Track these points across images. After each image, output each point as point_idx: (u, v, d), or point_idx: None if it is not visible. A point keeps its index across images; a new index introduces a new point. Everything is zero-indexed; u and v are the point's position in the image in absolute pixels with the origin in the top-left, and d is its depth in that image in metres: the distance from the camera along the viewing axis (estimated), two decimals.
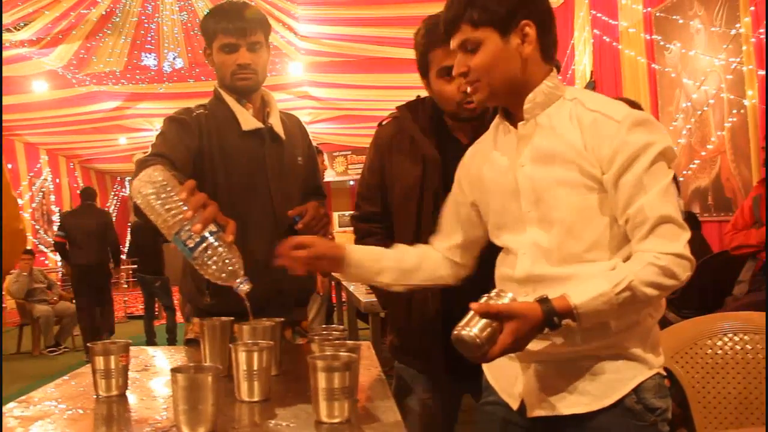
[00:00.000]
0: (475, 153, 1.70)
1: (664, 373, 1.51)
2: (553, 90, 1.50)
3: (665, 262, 1.35)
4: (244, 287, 1.49)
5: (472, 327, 1.34)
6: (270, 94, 2.31)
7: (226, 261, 1.47)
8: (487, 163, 1.63)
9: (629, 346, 1.45)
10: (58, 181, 15.94)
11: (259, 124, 2.20)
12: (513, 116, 1.56)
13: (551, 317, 1.34)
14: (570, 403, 1.47)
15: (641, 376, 1.45)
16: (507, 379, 1.58)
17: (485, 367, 1.67)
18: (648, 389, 1.45)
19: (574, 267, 1.45)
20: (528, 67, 1.49)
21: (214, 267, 1.46)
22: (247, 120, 2.19)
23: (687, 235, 1.39)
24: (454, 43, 1.53)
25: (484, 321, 1.34)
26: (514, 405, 1.55)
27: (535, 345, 1.44)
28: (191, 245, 1.45)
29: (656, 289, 1.36)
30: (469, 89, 1.55)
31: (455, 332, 1.36)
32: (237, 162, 2.17)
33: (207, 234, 1.45)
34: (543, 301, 1.36)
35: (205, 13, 2.27)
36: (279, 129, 2.23)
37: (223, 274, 1.47)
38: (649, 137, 1.40)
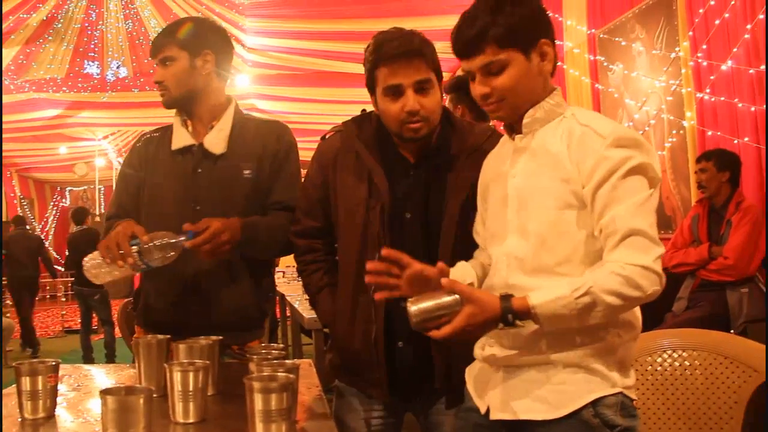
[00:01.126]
0: (487, 164, 1.74)
1: (633, 396, 1.52)
2: (554, 107, 1.54)
3: (629, 272, 1.37)
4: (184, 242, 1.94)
5: (420, 303, 1.41)
6: (229, 106, 2.27)
7: (166, 248, 1.93)
8: (492, 173, 1.68)
9: (591, 361, 1.47)
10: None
11: (189, 142, 2.20)
12: (515, 129, 1.60)
13: (507, 314, 1.39)
14: (528, 409, 1.50)
15: (601, 391, 1.46)
16: (480, 384, 1.63)
17: (467, 374, 1.70)
18: (608, 405, 1.47)
19: (545, 279, 1.47)
20: (545, 84, 1.54)
21: (159, 256, 1.93)
22: (179, 138, 2.21)
23: (659, 250, 1.40)
24: (474, 65, 1.52)
25: (435, 302, 1.41)
26: (483, 408, 1.59)
27: (502, 351, 1.52)
28: (145, 268, 1.94)
29: (618, 298, 1.37)
30: (489, 107, 1.56)
31: (407, 302, 1.43)
32: (165, 181, 2.20)
33: (137, 255, 1.91)
34: (504, 297, 1.41)
35: (152, 22, 2.37)
36: (212, 144, 2.18)
37: (171, 252, 1.94)
38: (629, 153, 1.42)
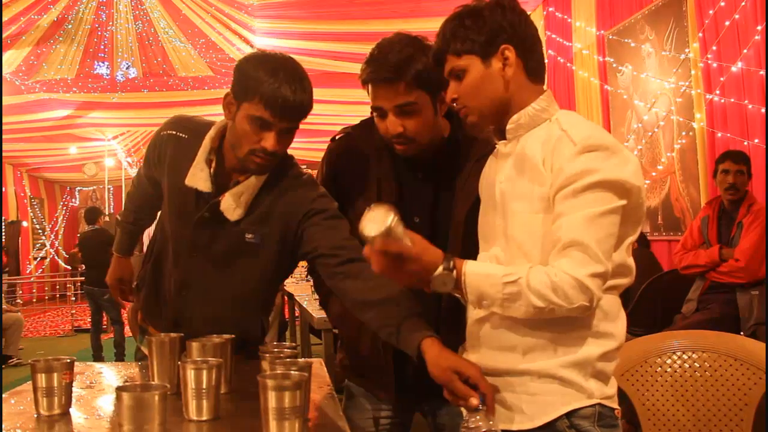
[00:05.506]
0: (484, 169, 1.74)
1: (614, 405, 1.52)
2: (539, 113, 1.54)
3: (559, 279, 1.37)
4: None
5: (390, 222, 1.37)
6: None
7: None
8: (484, 178, 1.70)
9: (567, 372, 1.47)
10: (4, 189, 15.55)
11: (205, 188, 1.89)
12: (503, 135, 1.60)
13: (449, 261, 1.42)
14: (504, 419, 1.51)
15: (576, 403, 1.47)
16: None
17: None
18: (585, 416, 1.47)
19: None
20: (512, 89, 1.54)
21: None
22: (194, 177, 1.90)
23: (596, 267, 1.38)
24: (444, 74, 1.61)
25: (401, 230, 1.39)
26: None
27: (478, 358, 1.54)
28: None
29: (540, 300, 1.37)
30: (460, 114, 1.61)
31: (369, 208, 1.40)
32: (173, 208, 1.98)
33: None
34: (448, 255, 1.45)
35: (248, 55, 1.92)
36: (228, 209, 1.87)
37: None
38: (593, 165, 1.40)
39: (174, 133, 1.99)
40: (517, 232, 1.50)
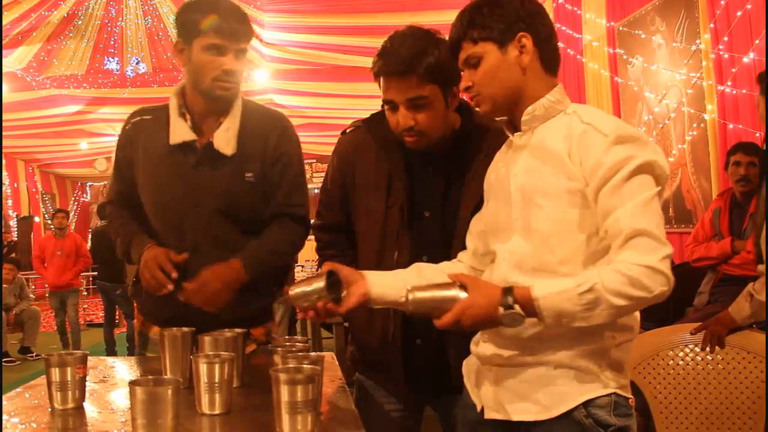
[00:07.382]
0: (492, 163, 1.73)
1: (628, 395, 1.52)
2: (554, 104, 1.55)
3: (634, 272, 1.34)
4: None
5: (419, 293, 1.46)
6: (236, 99, 2.08)
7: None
8: (494, 171, 1.68)
9: (584, 361, 1.47)
10: (16, 185, 15.63)
11: (190, 137, 2.02)
12: (516, 127, 1.60)
13: (507, 295, 1.39)
14: (520, 410, 1.51)
15: (593, 392, 1.47)
16: (475, 380, 1.64)
17: (464, 368, 1.71)
18: (601, 406, 1.47)
19: (545, 278, 1.46)
20: (528, 78, 1.55)
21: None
22: (177, 132, 2.03)
23: (666, 250, 1.37)
24: (460, 62, 1.60)
25: (432, 294, 1.45)
26: (478, 406, 1.61)
27: (495, 349, 1.53)
28: None
29: (622, 299, 1.34)
30: (473, 102, 1.61)
31: (408, 290, 1.48)
32: (163, 178, 2.05)
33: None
34: (507, 288, 1.41)
35: (170, 18, 2.23)
36: (222, 144, 2.02)
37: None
38: (632, 152, 1.41)
39: (138, 119, 2.14)
40: (543, 225, 1.49)
